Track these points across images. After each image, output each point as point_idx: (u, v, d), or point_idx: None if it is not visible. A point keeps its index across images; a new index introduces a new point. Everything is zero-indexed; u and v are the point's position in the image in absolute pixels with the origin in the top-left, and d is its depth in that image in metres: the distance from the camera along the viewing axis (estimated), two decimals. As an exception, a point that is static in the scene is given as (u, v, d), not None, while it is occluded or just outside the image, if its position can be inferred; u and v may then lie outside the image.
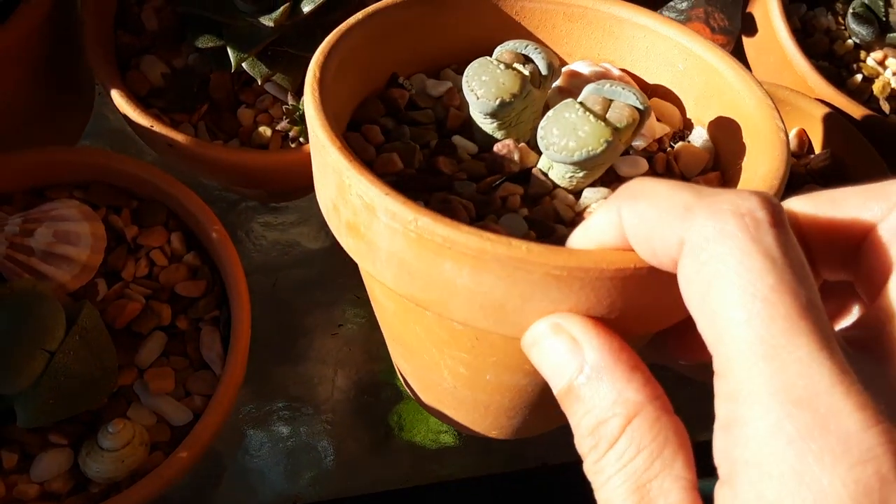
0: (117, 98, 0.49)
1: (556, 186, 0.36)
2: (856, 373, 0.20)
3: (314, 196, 0.71)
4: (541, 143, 0.33)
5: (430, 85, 0.41)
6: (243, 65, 0.50)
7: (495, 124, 0.36)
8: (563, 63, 0.41)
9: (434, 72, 0.42)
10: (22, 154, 0.46)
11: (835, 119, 0.58)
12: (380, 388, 0.64)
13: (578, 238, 0.28)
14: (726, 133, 0.39)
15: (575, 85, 0.38)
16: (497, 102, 0.34)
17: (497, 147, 0.36)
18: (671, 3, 0.86)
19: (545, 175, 0.36)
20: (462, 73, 0.36)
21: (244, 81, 0.54)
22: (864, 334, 0.22)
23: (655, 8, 0.76)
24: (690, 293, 0.22)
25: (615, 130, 0.32)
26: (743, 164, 0.36)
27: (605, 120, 0.32)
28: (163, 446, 0.44)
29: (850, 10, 0.64)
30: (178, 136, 0.48)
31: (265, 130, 0.52)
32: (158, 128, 0.48)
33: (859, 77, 0.63)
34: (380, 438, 0.63)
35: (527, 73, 0.35)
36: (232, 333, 0.45)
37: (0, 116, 0.53)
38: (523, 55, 0.35)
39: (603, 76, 0.38)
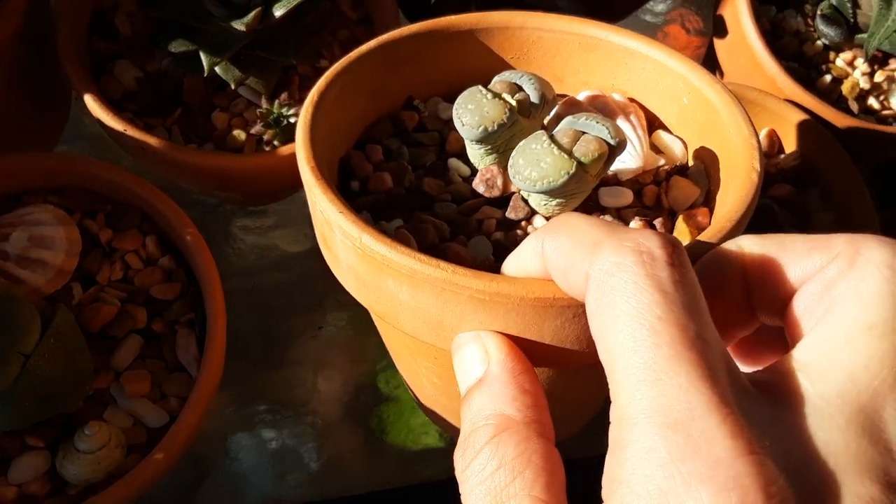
0: (90, 102, 0.49)
1: (534, 213, 0.37)
2: (743, 408, 0.21)
3: (292, 200, 0.72)
4: (509, 172, 0.35)
5: (441, 108, 0.43)
6: (216, 69, 0.51)
7: (482, 150, 0.37)
8: (564, 93, 0.43)
9: (451, 95, 0.42)
10: (-4, 160, 0.46)
11: (804, 119, 0.59)
12: (360, 390, 0.65)
13: (510, 265, 0.30)
14: (717, 169, 0.39)
15: (572, 114, 0.37)
16: (480, 130, 0.35)
17: (481, 172, 0.37)
18: (648, 6, 0.87)
19: (525, 201, 0.37)
20: None
21: (217, 85, 0.54)
22: (771, 378, 0.23)
23: (630, 11, 0.77)
24: (592, 322, 0.23)
25: (579, 163, 0.33)
26: (717, 198, 0.38)
27: (569, 153, 0.33)
28: (139, 448, 0.44)
29: (819, 12, 0.65)
30: (151, 140, 0.48)
31: (239, 134, 0.53)
32: (132, 132, 0.48)
33: (828, 77, 0.64)
34: (362, 440, 0.64)
35: (514, 102, 0.36)
36: (207, 335, 0.46)
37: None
38: (516, 85, 0.36)
39: (601, 103, 0.39)
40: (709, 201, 0.40)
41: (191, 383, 0.46)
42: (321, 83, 0.38)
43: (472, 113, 0.35)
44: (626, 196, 0.38)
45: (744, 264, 0.27)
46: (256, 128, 0.53)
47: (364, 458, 0.63)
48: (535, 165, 0.33)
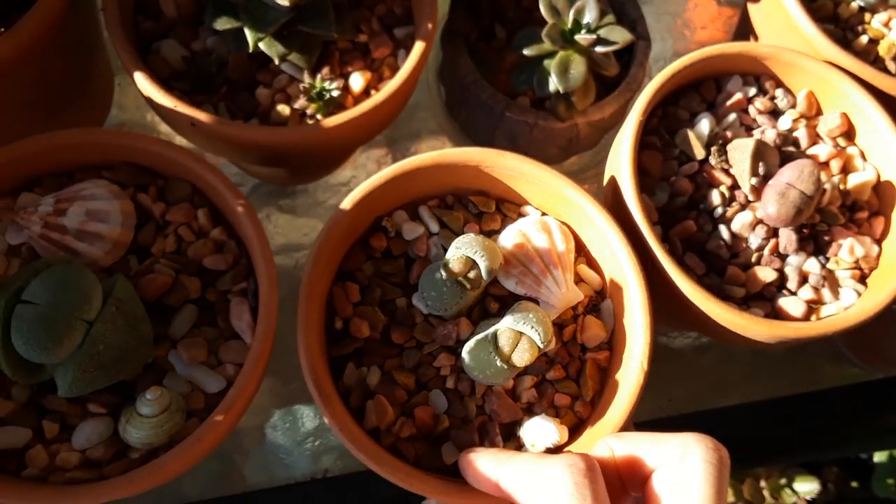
0: (140, 80, 0.50)
1: None
2: None
3: (332, 178, 0.73)
4: (465, 366, 0.47)
5: (406, 229, 0.52)
6: (260, 45, 0.51)
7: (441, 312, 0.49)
8: (521, 209, 0.55)
9: (413, 208, 0.53)
10: (48, 137, 0.47)
11: (843, 80, 0.59)
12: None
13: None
14: (622, 315, 0.51)
15: (519, 258, 0.50)
16: (442, 310, 0.48)
17: (440, 328, 0.49)
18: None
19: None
20: (437, 212, 0.53)
21: (261, 62, 0.55)
22: None
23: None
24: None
25: (514, 368, 0.45)
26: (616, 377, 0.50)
27: (508, 361, 0.45)
28: (198, 413, 0.46)
29: (854, -27, 0.65)
30: (201, 115, 0.49)
31: (283, 108, 0.53)
32: (181, 107, 0.49)
33: (865, 39, 0.64)
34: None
35: (468, 285, 0.46)
36: (260, 303, 0.47)
37: (23, 111, 0.55)
38: (472, 260, 0.46)
39: (541, 254, 0.50)
40: (612, 342, 0.52)
41: (245, 350, 0.47)
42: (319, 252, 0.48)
43: (434, 298, 0.47)
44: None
45: (615, 461, 0.39)
46: (300, 102, 0.54)
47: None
48: (483, 370, 0.46)
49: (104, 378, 0.43)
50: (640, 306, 0.49)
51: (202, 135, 0.51)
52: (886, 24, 0.65)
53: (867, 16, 0.65)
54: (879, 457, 1.05)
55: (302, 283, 0.47)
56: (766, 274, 0.54)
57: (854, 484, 1.07)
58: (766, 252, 0.55)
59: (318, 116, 0.53)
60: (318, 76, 0.54)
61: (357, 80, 0.55)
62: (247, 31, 0.50)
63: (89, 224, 0.46)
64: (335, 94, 0.53)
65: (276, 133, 0.51)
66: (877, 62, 0.64)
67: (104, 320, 0.42)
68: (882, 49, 0.63)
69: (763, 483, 1.04)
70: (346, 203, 0.49)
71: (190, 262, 0.48)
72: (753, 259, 0.55)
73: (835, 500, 1.05)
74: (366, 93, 0.56)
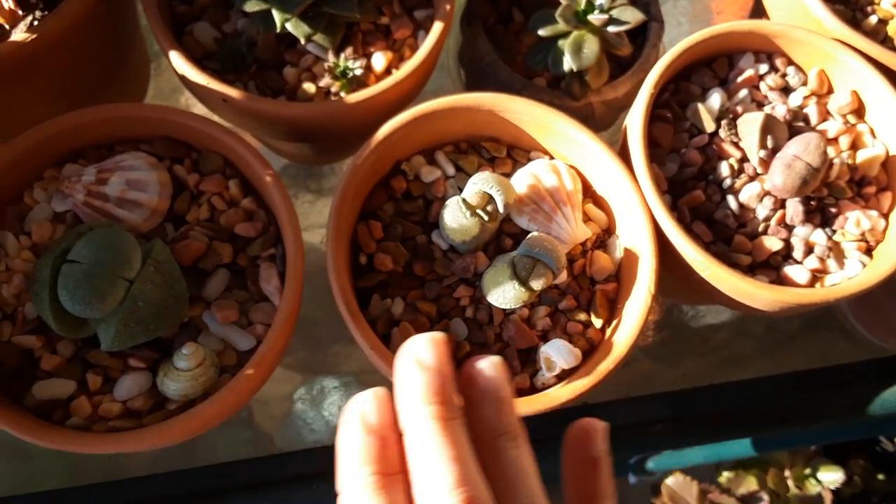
0: (176, 59, 0.54)
1: None
2: None
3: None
4: (483, 291, 0.51)
5: (424, 172, 0.56)
6: (287, 26, 0.54)
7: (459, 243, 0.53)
8: (530, 155, 0.59)
9: (430, 153, 0.57)
10: (91, 111, 0.51)
11: (854, 58, 0.60)
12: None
13: None
14: (630, 255, 0.54)
15: (531, 197, 0.54)
16: (460, 241, 0.52)
17: (460, 260, 0.53)
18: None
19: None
20: (453, 156, 0.57)
21: (288, 43, 0.58)
22: None
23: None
24: None
25: (531, 291, 0.49)
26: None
27: (526, 284, 0.49)
28: (230, 369, 0.49)
29: (864, -46, 0.66)
30: (233, 92, 0.53)
31: (309, 86, 0.56)
32: (214, 84, 0.53)
33: (874, 19, 0.65)
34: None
35: (485, 217, 0.51)
36: (287, 267, 0.49)
37: (64, 92, 0.58)
38: (488, 194, 0.50)
39: (551, 193, 0.54)
40: (619, 275, 0.55)
41: (274, 311, 0.50)
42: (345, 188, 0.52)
43: (454, 231, 0.51)
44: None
45: None
46: (324, 80, 0.57)
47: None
48: (502, 296, 0.50)
49: (143, 333, 0.46)
50: (645, 236, 0.53)
51: (234, 111, 0.54)
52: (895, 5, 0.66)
53: (877, -4, 0.67)
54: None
55: (330, 217, 0.50)
56: (772, 243, 0.56)
57: (881, 476, 1.07)
58: (772, 223, 0.57)
59: (342, 94, 0.56)
60: (342, 56, 0.57)
61: (379, 60, 0.58)
62: (275, 13, 0.53)
63: (129, 193, 0.50)
64: (358, 72, 0.56)
65: (304, 108, 0.54)
66: (886, 42, 0.65)
67: (143, 279, 0.45)
68: (891, 29, 0.65)
69: (787, 472, 1.05)
70: (370, 144, 0.52)
71: (222, 230, 0.51)
72: (760, 229, 0.57)
73: (861, 493, 1.06)
74: (387, 72, 0.58)
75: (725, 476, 1.00)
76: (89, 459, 0.64)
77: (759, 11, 0.73)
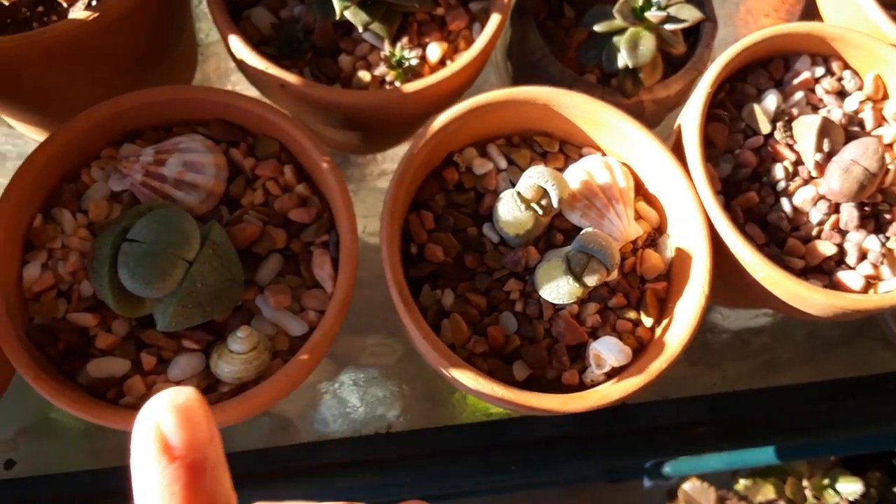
0: (235, 43, 0.54)
1: None
2: None
3: (399, 150, 0.75)
4: (536, 284, 0.51)
5: (476, 164, 0.56)
6: (346, 13, 0.54)
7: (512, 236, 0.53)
8: (582, 150, 0.58)
9: (482, 146, 0.57)
10: (150, 92, 0.51)
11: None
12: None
13: None
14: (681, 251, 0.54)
15: (584, 193, 0.54)
16: (513, 234, 0.52)
17: (511, 254, 0.52)
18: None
19: None
20: (505, 149, 0.56)
21: (344, 31, 0.58)
22: None
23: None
24: None
25: (585, 287, 0.49)
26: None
27: (579, 280, 0.49)
28: (282, 354, 0.49)
29: (922, -41, 0.65)
30: (291, 78, 0.53)
31: (364, 75, 0.56)
32: (273, 70, 0.53)
33: (932, 24, 0.64)
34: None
35: (540, 211, 0.50)
36: (341, 253, 0.49)
37: (119, 70, 0.58)
38: (543, 188, 0.50)
39: (604, 190, 0.54)
40: (669, 274, 0.55)
41: (326, 298, 0.50)
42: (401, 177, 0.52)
43: (509, 224, 0.51)
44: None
45: None
46: (379, 69, 0.57)
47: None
48: (555, 291, 0.50)
49: (200, 315, 0.46)
50: (700, 236, 0.52)
51: (289, 97, 0.54)
52: (954, 11, 0.65)
53: (935, 2, 0.66)
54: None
55: (385, 206, 0.50)
56: (825, 248, 0.55)
57: (896, 489, 1.06)
58: (826, 227, 0.56)
59: (397, 83, 0.56)
60: (399, 45, 0.57)
61: (434, 51, 0.58)
62: (334, 0, 0.53)
63: (186, 174, 0.50)
64: (414, 62, 0.56)
65: (360, 96, 0.54)
66: (943, 47, 0.64)
67: (202, 260, 0.45)
68: (949, 34, 0.64)
69: (805, 482, 1.04)
70: (426, 134, 0.52)
71: (276, 215, 0.51)
72: (814, 233, 0.56)
73: (877, 505, 1.05)
74: (441, 63, 0.58)
75: (743, 483, 0.99)
76: (110, 441, 0.64)
77: (810, 13, 0.72)
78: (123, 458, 0.24)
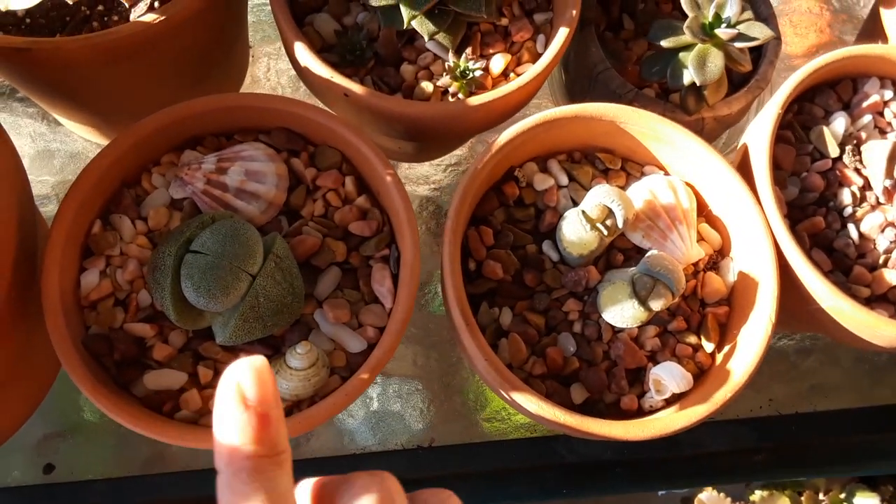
0: (300, 50, 0.52)
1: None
2: None
3: (446, 158, 0.74)
4: (599, 307, 0.50)
5: (537, 180, 0.55)
6: (413, 22, 0.53)
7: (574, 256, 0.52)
8: (644, 169, 0.57)
9: (543, 161, 0.56)
10: (214, 98, 0.50)
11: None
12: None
13: None
14: (745, 276, 0.53)
15: (647, 213, 0.53)
16: (577, 254, 0.51)
17: (572, 273, 0.51)
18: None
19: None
20: (566, 165, 0.55)
21: (406, 39, 0.57)
22: None
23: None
24: None
25: (650, 312, 0.48)
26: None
27: (645, 304, 0.48)
28: (339, 371, 0.48)
29: None
30: (355, 87, 0.51)
31: (427, 85, 0.55)
32: (338, 78, 0.51)
33: None
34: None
35: (605, 231, 0.49)
36: (401, 270, 0.48)
37: (174, 74, 0.58)
38: (608, 208, 0.49)
39: (667, 210, 0.53)
40: (731, 299, 0.54)
41: (385, 314, 0.49)
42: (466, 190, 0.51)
43: (573, 244, 0.50)
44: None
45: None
46: (442, 80, 0.55)
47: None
48: (619, 314, 0.49)
49: (260, 329, 0.45)
50: (767, 261, 0.51)
51: (352, 106, 0.53)
52: None
53: None
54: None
55: (448, 220, 0.49)
56: (893, 276, 0.54)
57: (908, 504, 1.05)
58: (894, 255, 0.55)
59: (460, 95, 0.55)
60: (463, 56, 0.56)
61: (497, 62, 0.56)
62: (402, 8, 0.52)
63: (248, 183, 0.49)
64: (478, 74, 0.55)
65: (425, 107, 0.53)
66: None
67: (266, 274, 0.44)
68: None
69: (822, 496, 1.03)
70: (491, 149, 0.51)
71: (336, 227, 0.50)
72: (881, 261, 0.55)
73: (889, 520, 1.04)
74: (504, 75, 0.57)
75: (759, 494, 0.98)
76: (136, 450, 0.63)
77: (872, 28, 0.70)
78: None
